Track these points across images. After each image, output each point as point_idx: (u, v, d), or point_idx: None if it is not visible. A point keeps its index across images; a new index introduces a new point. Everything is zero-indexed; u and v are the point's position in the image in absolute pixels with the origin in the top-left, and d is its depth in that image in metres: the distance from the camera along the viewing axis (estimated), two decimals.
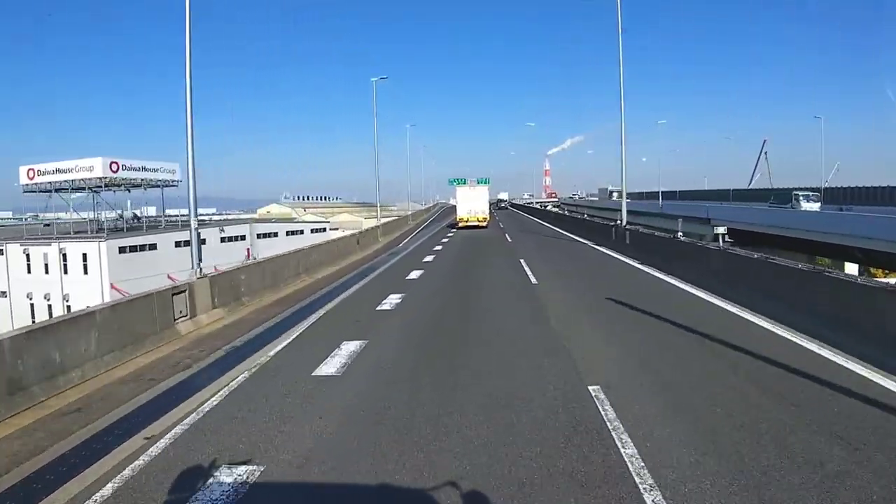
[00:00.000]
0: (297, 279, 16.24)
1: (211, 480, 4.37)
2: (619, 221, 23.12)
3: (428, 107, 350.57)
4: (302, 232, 58.96)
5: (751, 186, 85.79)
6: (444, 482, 4.16)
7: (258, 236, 53.22)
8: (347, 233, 36.94)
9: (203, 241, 38.74)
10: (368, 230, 32.98)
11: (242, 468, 4.54)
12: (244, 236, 51.36)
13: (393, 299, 12.22)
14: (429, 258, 21.42)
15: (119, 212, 50.80)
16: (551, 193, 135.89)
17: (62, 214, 52.87)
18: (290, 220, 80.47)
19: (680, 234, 23.31)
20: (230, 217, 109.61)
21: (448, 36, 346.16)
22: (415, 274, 16.60)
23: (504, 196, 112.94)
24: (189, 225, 11.99)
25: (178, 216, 48.47)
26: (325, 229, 63.70)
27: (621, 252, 19.44)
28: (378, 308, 11.39)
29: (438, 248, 25.98)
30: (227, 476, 4.43)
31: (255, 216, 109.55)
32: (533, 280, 14.53)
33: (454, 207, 45.09)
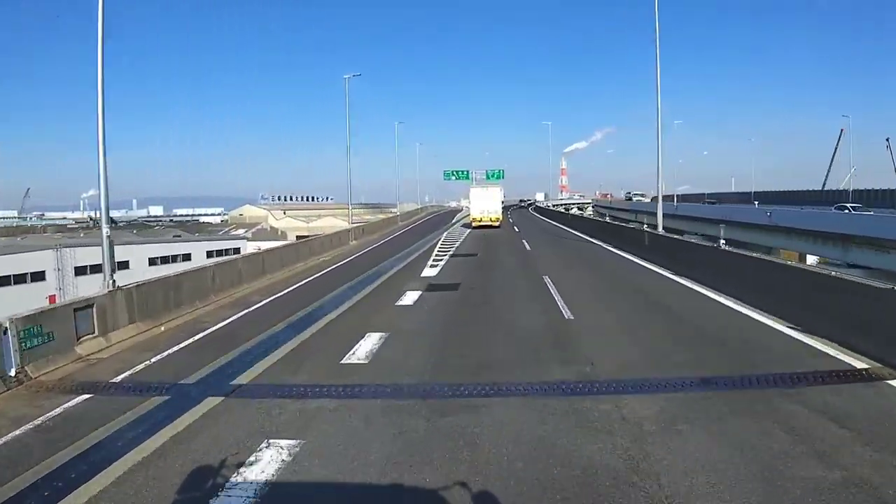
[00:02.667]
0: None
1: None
2: None
3: (436, 102, 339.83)
4: (189, 257, 40.93)
5: (833, 188, 65.09)
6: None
7: (77, 271, 34.33)
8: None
9: None
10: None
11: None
12: (43, 273, 33.63)
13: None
14: None
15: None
16: (605, 194, 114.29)
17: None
18: (246, 230, 69.03)
19: None
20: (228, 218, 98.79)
21: (450, 28, 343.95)
22: None
23: (540, 197, 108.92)
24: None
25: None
26: (238, 250, 43.82)
27: None
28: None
29: None
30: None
31: (227, 219, 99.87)
32: None
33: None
